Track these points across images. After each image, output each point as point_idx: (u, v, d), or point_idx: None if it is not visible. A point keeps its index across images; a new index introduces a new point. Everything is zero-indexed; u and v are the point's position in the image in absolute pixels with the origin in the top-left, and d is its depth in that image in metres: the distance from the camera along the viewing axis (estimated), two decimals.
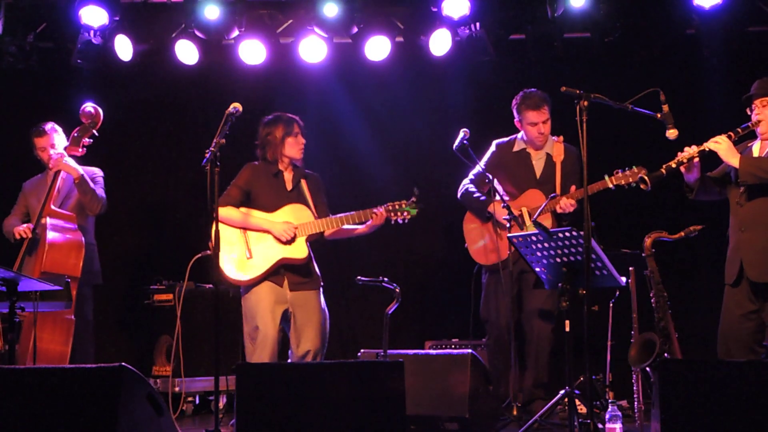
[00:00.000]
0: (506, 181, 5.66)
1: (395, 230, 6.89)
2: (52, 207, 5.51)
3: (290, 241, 5.09)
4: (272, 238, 5.11)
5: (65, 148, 5.58)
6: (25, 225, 5.56)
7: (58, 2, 6.23)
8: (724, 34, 6.13)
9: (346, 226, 5.18)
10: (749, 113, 4.79)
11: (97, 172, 5.81)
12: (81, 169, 5.57)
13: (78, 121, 5.63)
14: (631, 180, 5.18)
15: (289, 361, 5.17)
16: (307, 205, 5.22)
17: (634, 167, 5.17)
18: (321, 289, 5.26)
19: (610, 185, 5.27)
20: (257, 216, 5.15)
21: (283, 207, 5.17)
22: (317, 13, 6.22)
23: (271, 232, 5.09)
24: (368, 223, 5.16)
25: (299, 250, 5.11)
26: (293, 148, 5.22)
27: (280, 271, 5.11)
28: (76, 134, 5.60)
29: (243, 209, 5.18)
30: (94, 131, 5.61)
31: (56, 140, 5.71)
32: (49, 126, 5.73)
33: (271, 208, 5.17)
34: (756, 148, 4.80)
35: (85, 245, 5.51)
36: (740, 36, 6.17)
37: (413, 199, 5.13)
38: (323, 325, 5.19)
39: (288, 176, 5.26)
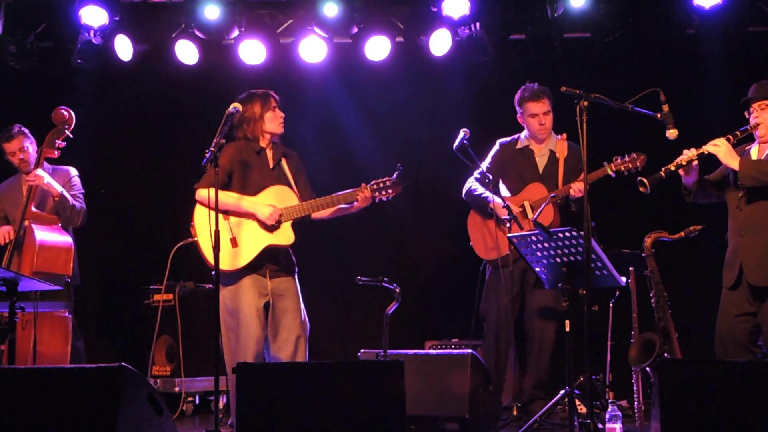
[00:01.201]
0: (510, 177, 5.70)
1: (395, 230, 6.94)
2: (34, 209, 5.45)
3: (275, 227, 4.90)
4: (256, 224, 4.91)
5: (41, 151, 5.51)
6: (6, 228, 5.52)
7: (58, 2, 6.23)
8: (723, 34, 6.14)
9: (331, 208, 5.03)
10: (747, 116, 4.78)
11: (72, 172, 5.75)
12: (59, 187, 5.51)
13: (51, 124, 5.54)
14: (630, 166, 5.25)
15: (265, 353, 4.97)
16: (290, 186, 5.04)
17: (633, 153, 5.25)
18: (296, 275, 5.07)
19: (610, 172, 5.32)
20: (241, 199, 4.92)
21: (266, 189, 4.97)
22: (317, 13, 6.22)
23: (256, 216, 4.88)
24: (354, 204, 5.00)
25: (286, 236, 4.92)
26: (273, 122, 5.07)
27: (262, 259, 4.92)
28: (50, 137, 5.51)
29: (227, 192, 4.90)
30: (68, 133, 5.54)
31: (25, 143, 5.65)
32: (17, 129, 5.66)
33: (253, 189, 4.97)
34: (754, 152, 4.79)
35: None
36: (740, 36, 6.18)
37: (396, 174, 4.98)
38: (303, 311, 5.00)
39: (269, 154, 5.10)
